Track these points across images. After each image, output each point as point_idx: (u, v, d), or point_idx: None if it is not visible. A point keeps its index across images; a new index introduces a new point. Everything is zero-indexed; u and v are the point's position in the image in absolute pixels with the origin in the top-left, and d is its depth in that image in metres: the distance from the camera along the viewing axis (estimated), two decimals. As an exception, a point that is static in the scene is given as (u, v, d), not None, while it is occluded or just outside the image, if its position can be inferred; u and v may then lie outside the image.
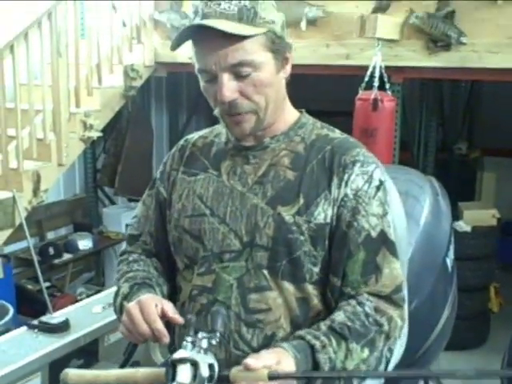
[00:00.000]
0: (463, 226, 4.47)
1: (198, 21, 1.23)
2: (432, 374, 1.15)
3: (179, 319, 1.23)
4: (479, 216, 4.62)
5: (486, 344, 4.45)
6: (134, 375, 1.19)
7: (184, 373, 1.09)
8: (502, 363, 2.83)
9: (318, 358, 1.16)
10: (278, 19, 1.27)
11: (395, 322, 1.25)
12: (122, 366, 2.08)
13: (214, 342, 1.13)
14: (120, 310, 1.33)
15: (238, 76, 1.23)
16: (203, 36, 1.22)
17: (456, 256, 2.61)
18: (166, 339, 1.21)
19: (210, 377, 1.09)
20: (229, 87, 1.22)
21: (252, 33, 1.21)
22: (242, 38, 1.20)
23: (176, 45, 1.28)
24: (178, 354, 1.11)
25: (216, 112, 1.31)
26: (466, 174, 6.43)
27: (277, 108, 1.31)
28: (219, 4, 1.21)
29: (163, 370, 1.13)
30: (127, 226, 5.12)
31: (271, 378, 1.06)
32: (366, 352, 1.20)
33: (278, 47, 1.26)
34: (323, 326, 1.22)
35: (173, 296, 1.42)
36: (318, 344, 1.17)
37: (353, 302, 1.25)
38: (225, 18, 1.20)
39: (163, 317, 1.23)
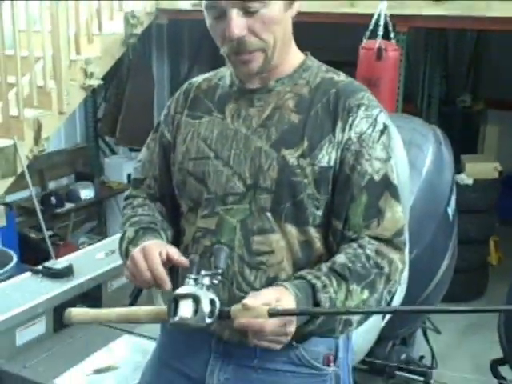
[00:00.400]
0: (465, 178, 4.47)
1: None
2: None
3: (185, 262, 1.24)
4: (481, 169, 4.61)
5: (483, 297, 4.50)
6: (135, 313, 1.21)
7: (186, 307, 1.11)
8: (499, 317, 2.87)
9: (319, 297, 1.17)
10: None
11: (396, 265, 1.26)
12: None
13: (215, 280, 1.15)
14: (126, 254, 1.34)
15: (247, 12, 1.21)
16: None
17: (457, 209, 2.63)
18: (167, 286, 1.22)
19: (211, 312, 1.11)
20: (238, 23, 1.21)
21: None
22: None
23: None
24: (180, 290, 1.13)
25: (222, 51, 1.28)
26: (469, 127, 6.39)
27: (284, 48, 1.30)
28: None
29: (165, 307, 1.15)
30: (129, 175, 5.13)
31: (271, 314, 1.08)
32: (366, 293, 1.22)
33: None
34: (324, 267, 1.23)
35: (177, 240, 1.43)
36: (318, 283, 1.18)
37: (354, 244, 1.26)
38: None
39: (169, 261, 1.24)
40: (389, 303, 1.29)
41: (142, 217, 1.40)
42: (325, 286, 1.18)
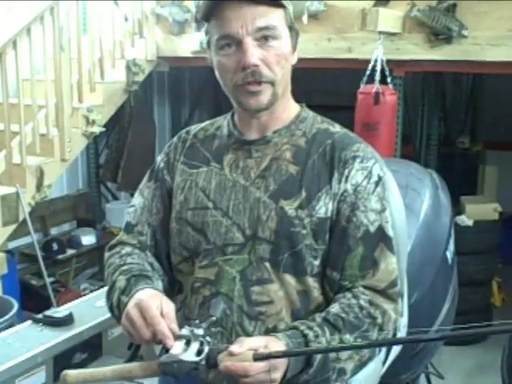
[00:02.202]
0: (465, 220, 4.47)
1: None
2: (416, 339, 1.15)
3: (175, 331, 1.17)
4: (481, 210, 4.61)
5: (487, 339, 4.45)
6: (129, 368, 1.21)
7: (177, 347, 1.13)
8: (502, 358, 2.84)
9: (311, 346, 1.18)
10: (290, 7, 1.31)
11: (389, 316, 1.27)
12: (128, 362, 2.11)
13: (213, 328, 1.16)
14: (118, 305, 1.28)
15: (262, 44, 1.25)
16: (229, 4, 1.24)
17: (458, 250, 2.63)
18: (171, 342, 1.15)
19: (199, 351, 1.13)
20: (253, 52, 1.24)
21: (277, 3, 1.26)
22: (269, 4, 1.24)
23: (204, 12, 1.28)
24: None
25: (232, 84, 1.28)
26: (468, 168, 6.42)
27: (284, 91, 1.33)
28: None
29: (156, 362, 1.16)
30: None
31: (256, 358, 1.09)
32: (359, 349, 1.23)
33: (293, 27, 1.31)
34: (318, 317, 1.24)
35: (169, 290, 1.41)
36: (311, 334, 1.19)
37: (348, 294, 1.27)
38: None
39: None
40: (387, 353, 1.29)
41: (131, 265, 1.35)
42: (317, 336, 1.19)
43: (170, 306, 1.21)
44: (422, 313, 1.42)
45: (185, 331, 1.16)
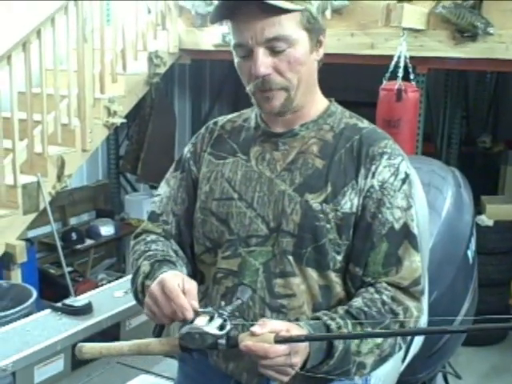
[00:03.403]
0: (485, 220, 4.43)
1: None
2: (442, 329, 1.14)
3: (195, 308, 1.18)
4: (502, 210, 4.57)
5: (505, 340, 4.42)
6: (147, 343, 1.20)
7: (200, 320, 1.15)
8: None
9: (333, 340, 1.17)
10: (315, 1, 1.28)
11: (411, 313, 1.26)
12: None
13: (237, 313, 1.18)
14: (142, 289, 1.30)
15: (273, 51, 1.24)
16: (241, 9, 1.23)
17: (478, 250, 2.60)
18: (190, 314, 1.16)
19: (221, 326, 1.14)
20: (264, 62, 1.24)
21: (290, 7, 1.22)
22: (280, 12, 1.21)
23: (215, 18, 1.28)
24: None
25: (248, 89, 1.31)
26: (490, 168, 6.34)
27: (307, 90, 1.32)
28: None
29: (176, 337, 1.16)
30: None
31: (277, 341, 1.09)
32: (380, 338, 1.22)
33: (313, 27, 1.27)
34: (340, 309, 1.24)
35: (192, 278, 1.41)
36: (333, 325, 1.18)
37: (371, 289, 1.26)
38: None
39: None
40: (401, 348, 1.28)
41: (156, 251, 1.36)
42: (339, 328, 1.18)
43: (192, 284, 1.21)
44: (441, 311, 1.40)
45: (209, 309, 1.17)
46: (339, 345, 1.17)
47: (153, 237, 1.42)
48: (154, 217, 1.46)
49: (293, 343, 1.10)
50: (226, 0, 1.24)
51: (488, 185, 5.96)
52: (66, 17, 3.96)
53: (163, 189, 1.48)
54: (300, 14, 1.25)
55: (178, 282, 1.19)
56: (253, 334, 1.10)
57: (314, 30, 1.28)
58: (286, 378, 1.13)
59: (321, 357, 1.17)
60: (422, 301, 1.31)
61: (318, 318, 1.22)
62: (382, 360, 1.26)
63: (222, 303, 1.20)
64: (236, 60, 1.31)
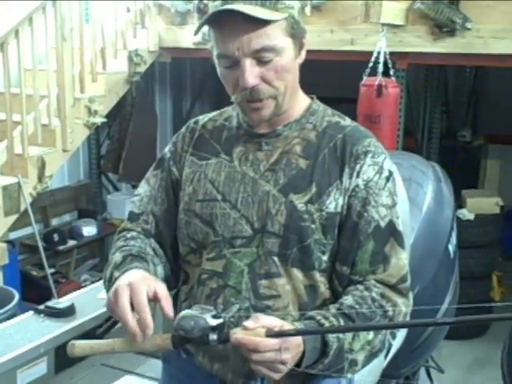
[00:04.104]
0: (466, 213, 4.47)
1: (219, 5, 1.22)
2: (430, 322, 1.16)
3: (169, 311, 1.16)
4: (482, 204, 4.61)
5: (487, 333, 4.46)
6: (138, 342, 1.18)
7: (196, 310, 1.16)
8: (502, 353, 2.85)
9: (327, 336, 1.18)
10: (296, 4, 1.27)
11: (399, 309, 1.27)
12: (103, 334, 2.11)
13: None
14: (110, 278, 1.26)
15: (260, 61, 1.23)
16: (226, 21, 1.21)
17: (459, 244, 2.63)
18: (150, 331, 1.12)
19: (214, 317, 1.14)
20: (252, 73, 1.23)
21: (275, 18, 1.21)
22: (266, 23, 1.20)
23: (199, 29, 1.27)
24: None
25: (234, 98, 1.30)
26: (470, 162, 6.41)
27: (293, 94, 1.32)
28: None
29: (169, 334, 1.16)
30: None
31: (269, 335, 1.09)
32: (371, 334, 1.23)
33: (296, 32, 1.27)
34: (332, 308, 1.24)
35: (170, 278, 1.41)
36: (327, 323, 1.19)
37: (360, 287, 1.27)
38: (248, 3, 1.20)
39: (154, 299, 1.16)
40: (391, 345, 1.30)
41: (133, 247, 1.35)
42: (332, 326, 1.19)
43: (162, 288, 1.18)
44: (424, 305, 1.41)
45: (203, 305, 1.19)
46: (333, 343, 1.18)
47: (133, 234, 1.41)
48: (133, 217, 1.44)
49: (284, 339, 1.10)
50: (213, 12, 1.22)
51: (469, 178, 6.02)
52: (44, 16, 3.93)
53: (143, 188, 1.47)
54: (285, 21, 1.24)
55: (147, 287, 1.15)
56: (245, 329, 1.10)
57: (297, 34, 1.27)
58: (277, 376, 1.13)
59: (316, 356, 1.18)
60: (410, 297, 1.32)
61: (311, 318, 1.22)
62: (372, 356, 1.26)
63: (221, 306, 1.22)
64: (219, 69, 1.29)
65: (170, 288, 1.37)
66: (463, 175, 5.84)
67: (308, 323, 1.20)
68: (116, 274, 1.25)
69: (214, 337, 1.13)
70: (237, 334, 1.11)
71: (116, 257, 1.31)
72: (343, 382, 1.40)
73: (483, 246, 4.43)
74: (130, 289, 1.15)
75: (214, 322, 1.13)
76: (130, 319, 1.12)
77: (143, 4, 4.89)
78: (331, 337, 1.18)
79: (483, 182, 6.37)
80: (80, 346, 1.21)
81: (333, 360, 1.19)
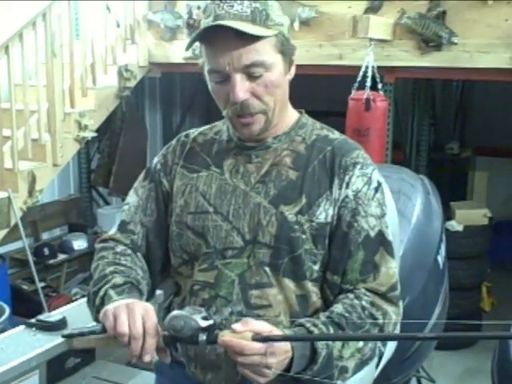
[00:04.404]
0: (455, 225, 4.51)
1: (210, 21, 1.25)
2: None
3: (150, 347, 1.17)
4: (471, 215, 4.65)
5: (477, 344, 4.49)
6: None
7: (187, 311, 1.17)
8: (492, 362, 2.87)
9: (316, 344, 1.19)
10: (286, 22, 1.31)
11: (389, 317, 1.29)
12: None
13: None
14: (103, 295, 1.27)
15: (251, 77, 1.26)
16: (217, 37, 1.24)
17: (448, 255, 2.65)
18: (148, 358, 1.17)
19: (205, 318, 1.16)
20: (242, 87, 1.25)
21: (266, 34, 1.24)
22: (256, 39, 1.23)
23: (190, 45, 1.30)
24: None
25: (225, 113, 1.33)
26: (458, 174, 6.47)
27: (282, 109, 1.35)
28: (232, 6, 1.24)
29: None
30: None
31: (255, 339, 1.11)
32: (361, 342, 1.25)
33: (286, 49, 1.30)
34: (322, 316, 1.26)
35: (150, 293, 1.43)
36: (316, 331, 1.21)
37: (351, 295, 1.29)
38: (239, 20, 1.23)
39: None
40: (382, 353, 1.31)
41: (127, 268, 1.36)
42: (322, 334, 1.21)
43: (153, 324, 1.18)
44: (414, 316, 1.43)
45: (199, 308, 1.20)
46: (322, 351, 1.19)
47: (121, 247, 1.42)
48: (122, 226, 1.45)
49: (270, 344, 1.12)
50: (204, 28, 1.24)
51: (457, 190, 6.08)
52: (35, 32, 3.94)
53: (132, 198, 1.48)
54: (275, 37, 1.27)
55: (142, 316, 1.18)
56: (233, 332, 1.12)
57: (287, 51, 1.31)
58: (262, 380, 1.14)
59: (304, 363, 1.19)
60: (400, 305, 1.34)
61: (300, 325, 1.24)
62: (363, 363, 1.28)
63: (214, 309, 1.25)
64: (211, 84, 1.32)
65: (147, 300, 1.40)
66: (452, 187, 5.90)
67: (297, 330, 1.21)
68: (113, 294, 1.26)
69: (203, 337, 1.15)
70: (224, 337, 1.13)
71: (116, 278, 1.31)
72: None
73: (472, 257, 4.47)
74: (127, 309, 1.17)
75: (204, 324, 1.15)
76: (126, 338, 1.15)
77: (133, 19, 4.92)
78: (320, 344, 1.19)
79: (471, 193, 6.43)
80: (79, 338, 1.23)
81: (322, 367, 1.20)
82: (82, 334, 1.23)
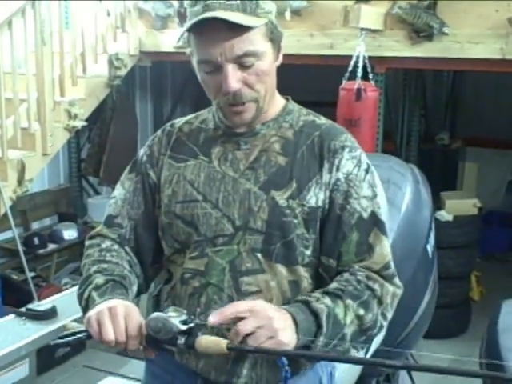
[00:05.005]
0: (445, 215, 4.53)
1: (199, 11, 1.24)
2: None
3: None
4: (461, 205, 4.68)
5: (466, 332, 4.51)
6: None
7: (169, 313, 1.18)
8: (481, 350, 2.89)
9: (314, 307, 1.20)
10: (273, 8, 1.31)
11: (387, 289, 1.30)
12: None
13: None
14: (87, 298, 1.29)
15: (242, 66, 1.26)
16: (208, 27, 1.23)
17: (438, 245, 2.66)
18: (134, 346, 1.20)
19: (185, 322, 1.16)
20: (234, 77, 1.25)
21: (257, 24, 1.24)
22: (247, 29, 1.23)
23: (182, 36, 1.29)
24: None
25: (216, 103, 1.33)
26: (448, 164, 6.50)
27: (271, 96, 1.35)
28: None
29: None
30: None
31: (230, 348, 1.12)
32: (362, 311, 1.25)
33: (275, 36, 1.30)
34: (317, 292, 1.27)
35: (143, 286, 1.44)
36: (310, 298, 1.23)
37: (345, 273, 1.31)
38: (229, 9, 1.22)
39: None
40: (382, 327, 1.30)
41: (111, 265, 1.36)
42: (318, 299, 1.22)
43: (135, 325, 1.20)
44: (403, 305, 1.44)
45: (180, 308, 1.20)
46: (323, 312, 1.19)
47: (108, 243, 1.42)
48: (109, 221, 1.45)
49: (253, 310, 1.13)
50: (196, 20, 1.23)
51: (447, 181, 6.10)
52: (24, 20, 3.91)
53: (118, 190, 1.48)
54: (265, 26, 1.27)
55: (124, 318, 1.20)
56: (211, 327, 1.13)
57: (276, 38, 1.31)
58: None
59: (311, 327, 1.19)
60: (395, 283, 1.33)
61: (296, 301, 1.25)
62: (362, 333, 1.26)
63: (198, 310, 1.23)
64: (200, 74, 1.31)
65: (141, 293, 1.45)
66: (442, 177, 5.93)
67: (291, 305, 1.22)
68: (95, 296, 1.27)
69: (181, 341, 1.15)
70: (201, 342, 1.14)
71: (98, 278, 1.31)
72: (324, 379, 1.42)
73: (462, 246, 4.49)
74: (110, 313, 1.19)
75: (183, 327, 1.15)
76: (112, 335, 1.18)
77: (123, 8, 4.89)
78: (318, 306, 1.20)
79: (461, 184, 6.45)
80: (71, 326, 1.25)
81: (330, 330, 1.19)
82: (68, 344, 1.24)
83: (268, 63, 1.29)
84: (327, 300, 1.23)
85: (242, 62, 1.25)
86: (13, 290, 4.41)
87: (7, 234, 4.63)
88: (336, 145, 1.34)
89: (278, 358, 1.17)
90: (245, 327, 1.12)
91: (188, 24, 1.26)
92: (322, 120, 1.41)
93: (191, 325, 1.16)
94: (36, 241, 4.93)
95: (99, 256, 1.38)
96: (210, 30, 1.23)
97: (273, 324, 1.13)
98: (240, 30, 1.22)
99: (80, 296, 1.33)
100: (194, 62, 1.31)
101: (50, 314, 2.32)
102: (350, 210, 1.32)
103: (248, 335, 1.12)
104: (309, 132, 1.37)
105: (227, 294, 1.30)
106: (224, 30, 1.22)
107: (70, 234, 5.20)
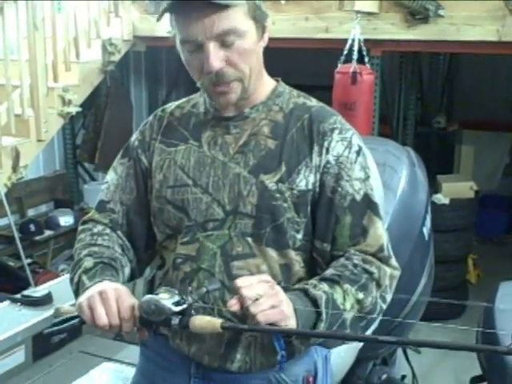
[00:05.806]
0: (441, 198, 4.53)
1: None
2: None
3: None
4: (457, 188, 4.68)
5: (463, 315, 4.53)
6: None
7: (162, 295, 1.17)
8: (477, 333, 2.90)
9: (312, 293, 1.19)
10: None
11: (384, 270, 1.29)
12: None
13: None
14: (78, 282, 1.29)
15: (224, 45, 1.24)
16: (188, 6, 1.22)
17: (434, 228, 2.66)
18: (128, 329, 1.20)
19: (178, 303, 1.16)
20: (216, 56, 1.23)
21: (236, 1, 1.22)
22: (227, 6, 1.21)
23: (161, 16, 1.27)
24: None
25: (200, 83, 1.31)
26: (445, 148, 6.49)
27: (258, 77, 1.33)
28: None
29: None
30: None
31: (223, 327, 1.12)
32: (361, 295, 1.24)
33: (258, 15, 1.28)
34: (313, 279, 1.26)
35: (136, 270, 1.44)
36: (307, 285, 1.22)
37: (341, 259, 1.29)
38: None
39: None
40: (382, 309, 1.29)
41: (102, 248, 1.36)
42: (315, 286, 1.21)
43: (126, 306, 1.20)
44: (400, 288, 1.43)
45: (173, 289, 1.19)
46: (321, 298, 1.18)
47: (99, 227, 1.41)
48: (101, 206, 1.45)
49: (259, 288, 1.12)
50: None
51: (444, 164, 6.10)
52: (16, 5, 3.88)
53: (111, 176, 1.47)
54: (246, 4, 1.25)
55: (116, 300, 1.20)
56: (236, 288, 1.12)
57: (259, 17, 1.29)
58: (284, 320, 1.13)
59: (310, 315, 1.18)
60: (392, 264, 1.32)
61: (294, 289, 1.23)
62: (362, 317, 1.25)
63: (189, 288, 1.20)
64: (184, 55, 1.30)
65: (134, 278, 1.45)
66: (438, 161, 5.92)
67: (290, 292, 1.20)
68: (85, 280, 1.27)
69: (175, 321, 1.15)
70: (195, 322, 1.14)
71: (87, 261, 1.31)
72: (319, 363, 1.42)
73: (458, 229, 4.50)
74: (100, 296, 1.19)
75: (176, 308, 1.15)
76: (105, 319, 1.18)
77: (116, -8, 4.85)
78: (316, 292, 1.19)
79: (458, 167, 6.45)
80: (65, 310, 1.24)
81: (330, 314, 1.18)
82: (61, 331, 1.23)
83: (251, 42, 1.27)
84: (325, 286, 1.22)
85: (223, 41, 1.23)
86: (10, 276, 4.40)
87: (3, 221, 4.62)
88: (325, 127, 1.32)
89: (273, 336, 1.18)
90: (248, 292, 1.11)
91: (165, 3, 1.24)
92: (313, 102, 1.39)
93: (184, 306, 1.16)
94: (32, 227, 4.92)
95: (90, 240, 1.38)
96: (190, 9, 1.22)
97: (278, 294, 1.13)
98: (220, 7, 1.21)
99: (71, 281, 1.33)
100: (178, 43, 1.30)
101: (46, 300, 2.32)
102: (341, 193, 1.30)
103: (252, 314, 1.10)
104: (299, 115, 1.35)
105: (218, 279, 1.30)
106: (204, 8, 1.20)
107: (66, 220, 5.20)
